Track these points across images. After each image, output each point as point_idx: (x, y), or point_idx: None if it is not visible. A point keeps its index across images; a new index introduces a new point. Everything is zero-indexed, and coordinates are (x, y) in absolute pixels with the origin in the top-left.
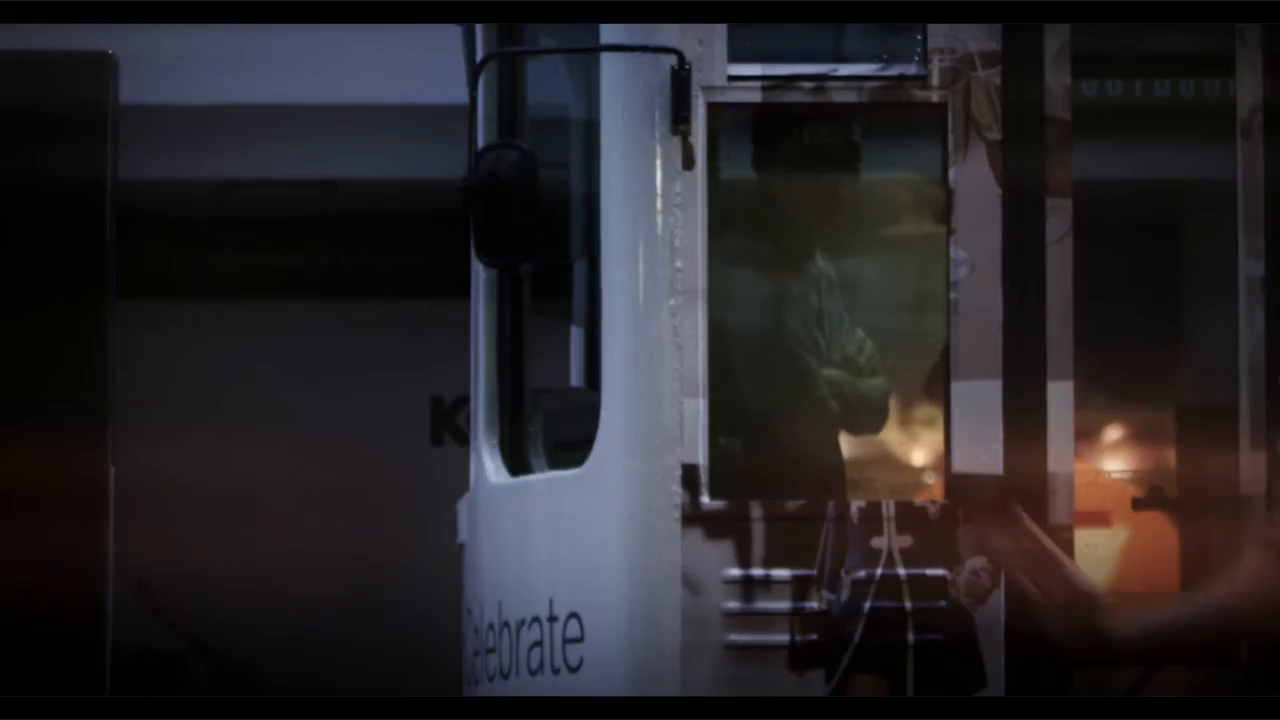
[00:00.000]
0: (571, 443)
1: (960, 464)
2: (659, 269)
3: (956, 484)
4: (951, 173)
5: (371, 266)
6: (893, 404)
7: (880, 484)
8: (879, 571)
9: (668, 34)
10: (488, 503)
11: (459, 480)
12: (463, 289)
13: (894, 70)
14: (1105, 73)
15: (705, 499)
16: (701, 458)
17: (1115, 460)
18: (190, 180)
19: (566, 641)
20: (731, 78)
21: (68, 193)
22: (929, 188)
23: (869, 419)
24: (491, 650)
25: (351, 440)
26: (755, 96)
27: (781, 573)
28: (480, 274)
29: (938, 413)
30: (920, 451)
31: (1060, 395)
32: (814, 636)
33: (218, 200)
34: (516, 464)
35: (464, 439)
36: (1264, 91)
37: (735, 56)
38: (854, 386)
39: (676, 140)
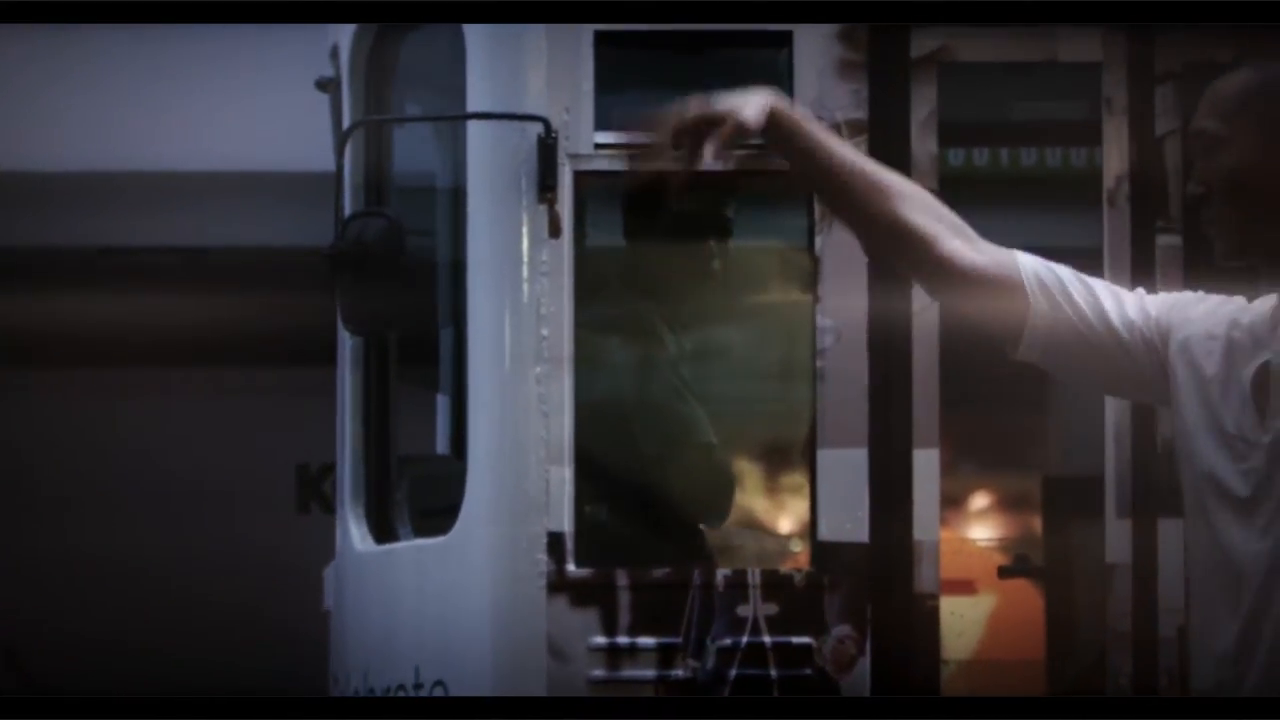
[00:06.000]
0: (437, 510)
1: (826, 532)
2: (525, 336)
3: (822, 552)
4: (818, 241)
5: (239, 333)
6: (760, 472)
7: (746, 552)
8: (744, 639)
9: (534, 102)
10: (354, 570)
11: (325, 547)
12: (329, 356)
13: (761, 138)
14: (972, 141)
15: (571, 567)
16: (567, 525)
17: (981, 528)
18: (61, 247)
19: None
20: (598, 145)
21: None
22: (796, 256)
23: (720, 502)
24: None
25: (217, 507)
26: (621, 164)
27: (647, 640)
28: (346, 341)
29: (804, 481)
30: (786, 519)
31: (926, 463)
32: None
33: (87, 266)
34: (382, 531)
35: (330, 506)
36: (1130, 160)
37: (602, 124)
38: (719, 453)
39: (543, 208)
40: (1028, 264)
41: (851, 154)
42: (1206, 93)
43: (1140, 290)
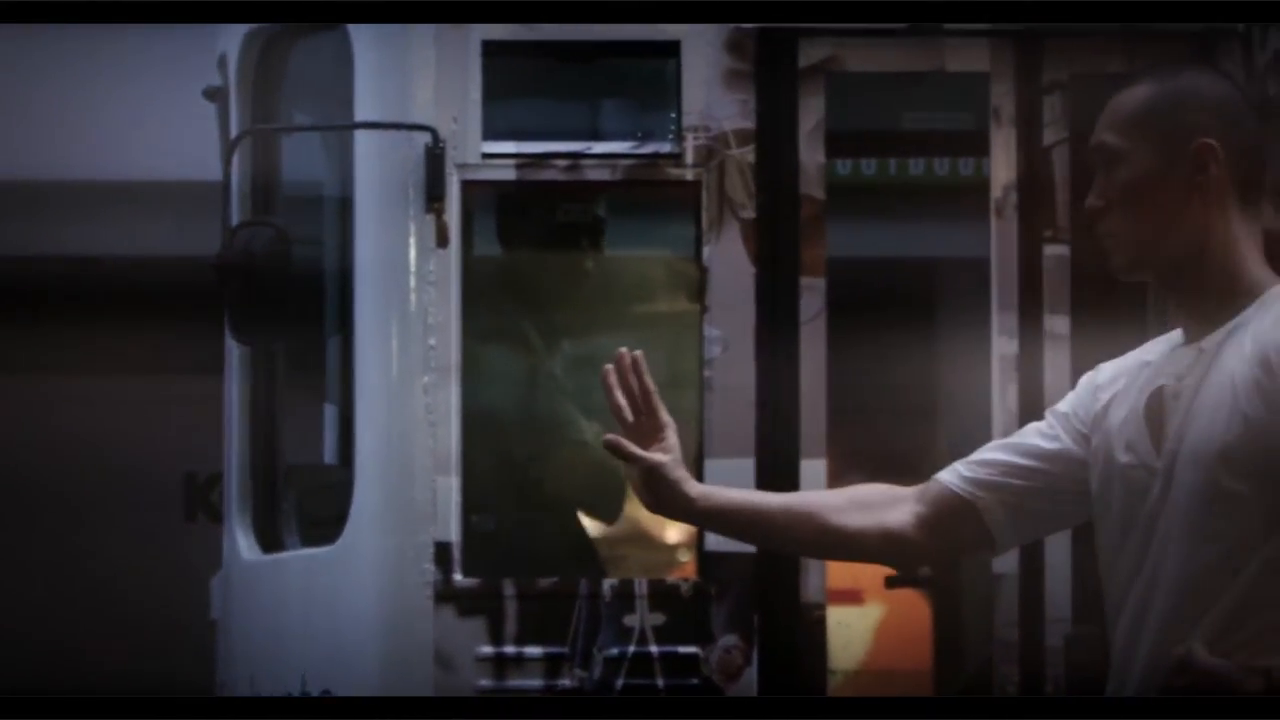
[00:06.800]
0: (325, 520)
1: (713, 542)
2: (413, 346)
3: (709, 562)
4: (706, 251)
5: (127, 342)
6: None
7: (633, 562)
8: (631, 649)
9: (422, 111)
10: (241, 580)
11: (213, 557)
12: (217, 366)
13: (648, 148)
14: (860, 151)
15: (458, 576)
16: (454, 535)
17: None
18: None
19: None
20: (486, 155)
21: None
22: (683, 265)
23: (608, 510)
24: None
25: (104, 516)
26: (509, 174)
27: (534, 650)
28: (234, 351)
29: None
30: (673, 529)
31: (813, 474)
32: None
33: None
34: (269, 541)
35: (218, 515)
36: (1017, 170)
37: (490, 134)
38: (607, 463)
39: (430, 217)
40: (951, 478)
41: (773, 500)
42: (1107, 106)
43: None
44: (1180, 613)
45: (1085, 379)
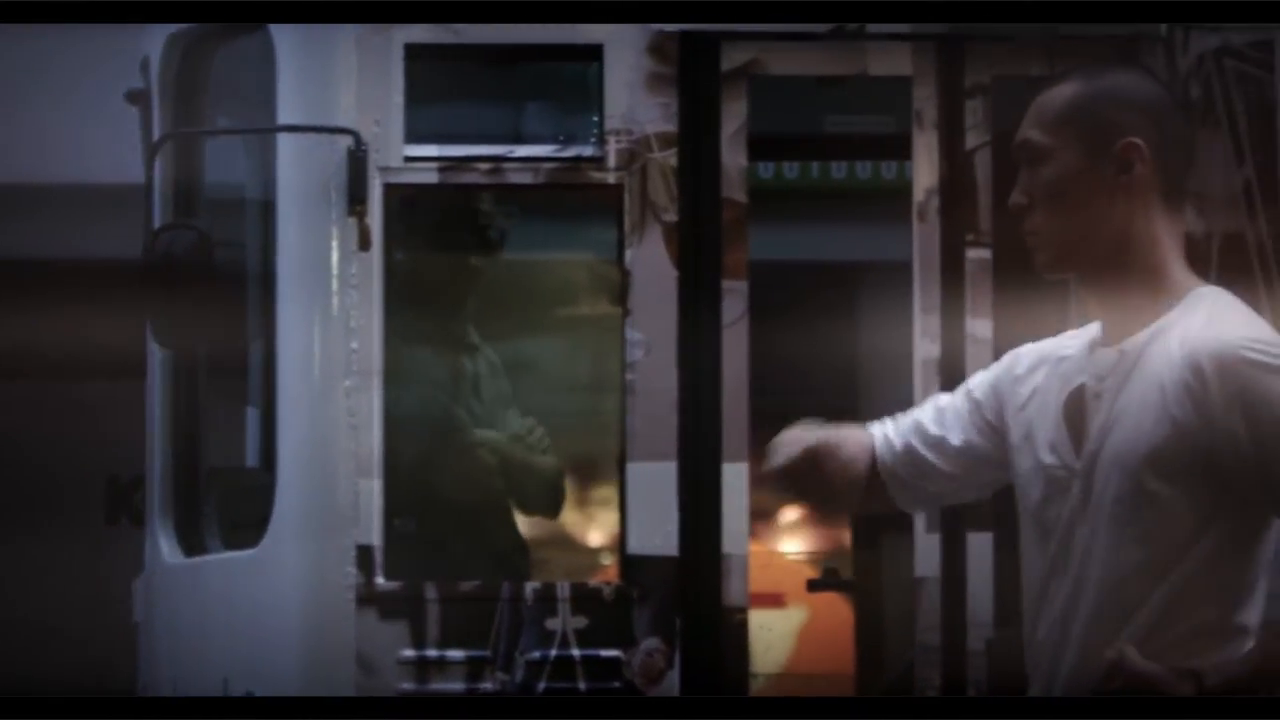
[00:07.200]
0: (247, 523)
1: (635, 545)
2: (335, 349)
3: (631, 565)
4: (628, 254)
5: (49, 345)
6: (568, 485)
7: (555, 565)
8: (553, 653)
9: (344, 115)
10: (163, 583)
11: (135, 560)
12: (140, 369)
13: (571, 151)
14: (782, 155)
15: (380, 580)
16: (376, 539)
17: (791, 542)
18: None
19: None
20: (408, 158)
21: None
22: (605, 269)
23: (546, 504)
24: None
25: (25, 519)
26: (432, 177)
27: (456, 654)
28: (156, 354)
29: (613, 494)
30: (596, 533)
31: (735, 477)
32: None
33: None
34: (192, 544)
35: (140, 518)
36: (940, 174)
37: (412, 137)
38: (533, 474)
39: (353, 221)
40: (877, 433)
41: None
42: (1033, 104)
43: (963, 388)
44: (1108, 615)
45: (1006, 365)
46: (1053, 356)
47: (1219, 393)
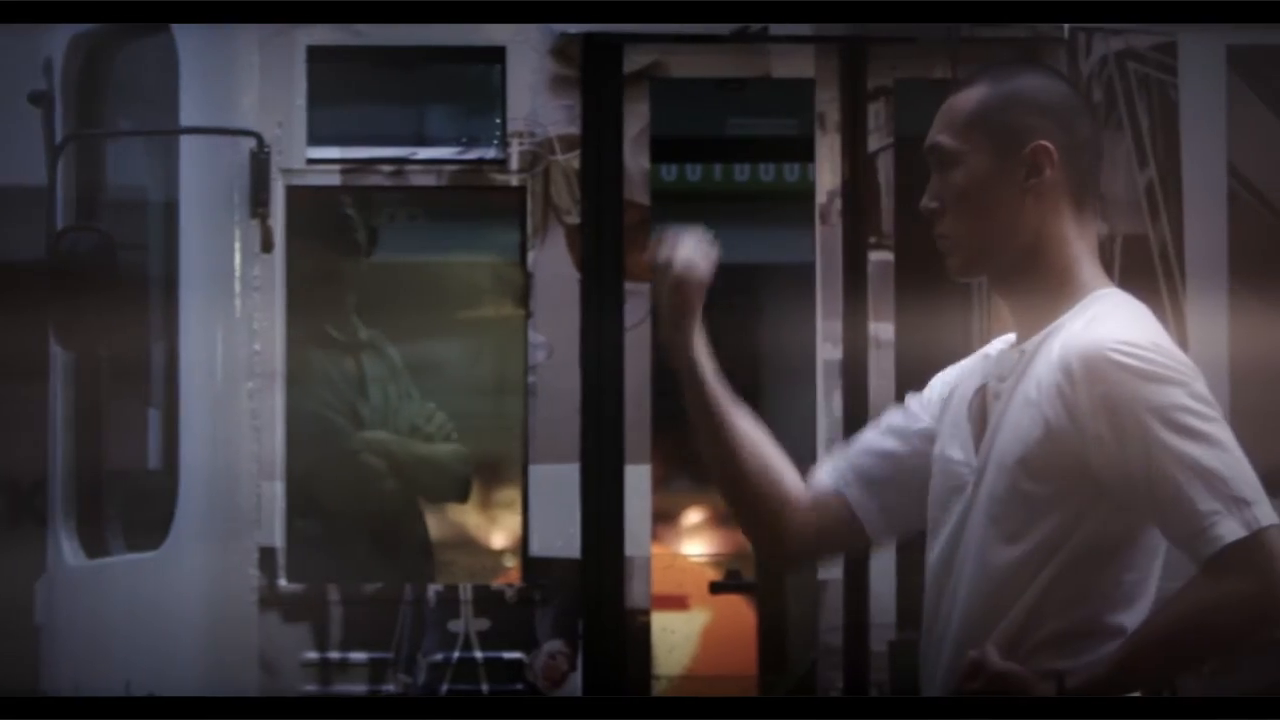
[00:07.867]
0: (149, 525)
1: (538, 548)
2: (237, 352)
3: (534, 567)
4: (530, 256)
5: None
6: (472, 479)
7: (458, 567)
8: (456, 655)
9: (247, 116)
10: (65, 585)
11: (36, 562)
12: (42, 372)
13: (473, 154)
14: (685, 157)
15: (282, 582)
16: (279, 540)
17: (693, 544)
18: None
19: None
20: (310, 160)
21: None
22: (508, 271)
23: (449, 491)
24: None
25: None
26: (334, 179)
27: (359, 655)
28: (58, 356)
29: (516, 496)
30: (498, 535)
31: (638, 479)
32: None
33: None
34: (94, 546)
35: (42, 520)
36: (842, 176)
37: (315, 139)
38: (431, 464)
39: (255, 223)
40: (828, 470)
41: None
42: (942, 107)
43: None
44: (980, 614)
45: (943, 372)
46: (979, 358)
47: (1085, 395)
